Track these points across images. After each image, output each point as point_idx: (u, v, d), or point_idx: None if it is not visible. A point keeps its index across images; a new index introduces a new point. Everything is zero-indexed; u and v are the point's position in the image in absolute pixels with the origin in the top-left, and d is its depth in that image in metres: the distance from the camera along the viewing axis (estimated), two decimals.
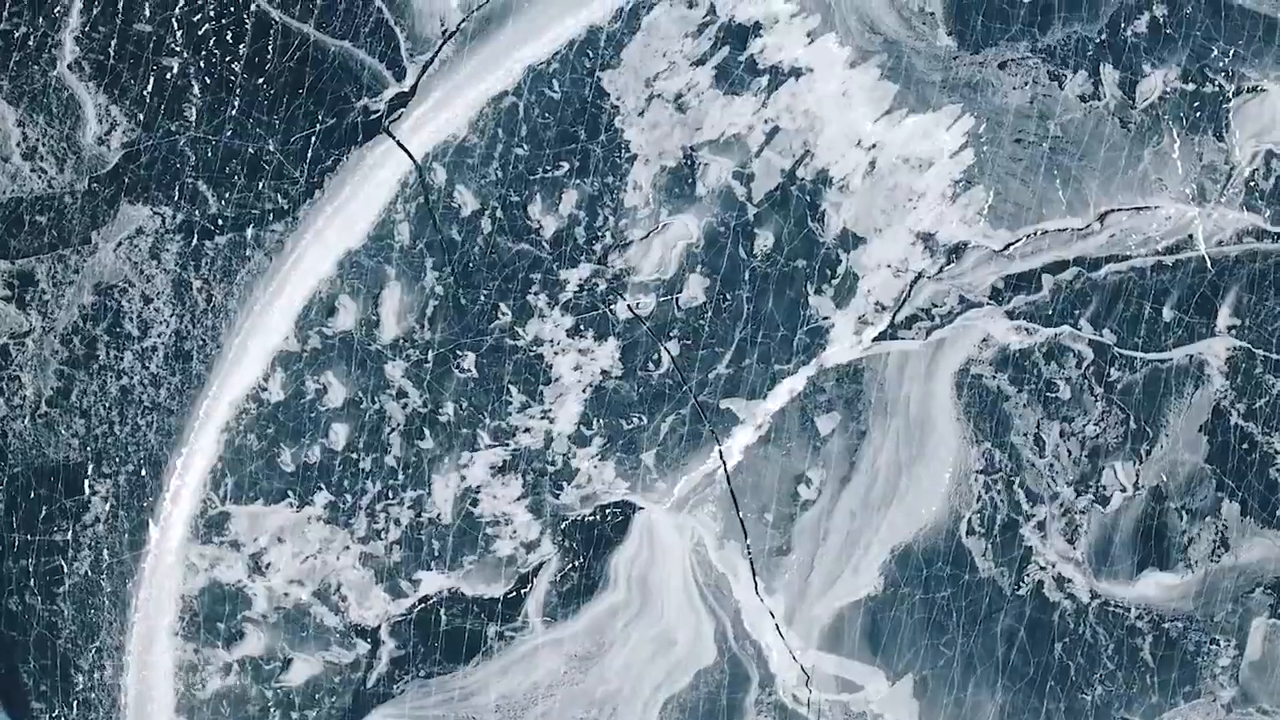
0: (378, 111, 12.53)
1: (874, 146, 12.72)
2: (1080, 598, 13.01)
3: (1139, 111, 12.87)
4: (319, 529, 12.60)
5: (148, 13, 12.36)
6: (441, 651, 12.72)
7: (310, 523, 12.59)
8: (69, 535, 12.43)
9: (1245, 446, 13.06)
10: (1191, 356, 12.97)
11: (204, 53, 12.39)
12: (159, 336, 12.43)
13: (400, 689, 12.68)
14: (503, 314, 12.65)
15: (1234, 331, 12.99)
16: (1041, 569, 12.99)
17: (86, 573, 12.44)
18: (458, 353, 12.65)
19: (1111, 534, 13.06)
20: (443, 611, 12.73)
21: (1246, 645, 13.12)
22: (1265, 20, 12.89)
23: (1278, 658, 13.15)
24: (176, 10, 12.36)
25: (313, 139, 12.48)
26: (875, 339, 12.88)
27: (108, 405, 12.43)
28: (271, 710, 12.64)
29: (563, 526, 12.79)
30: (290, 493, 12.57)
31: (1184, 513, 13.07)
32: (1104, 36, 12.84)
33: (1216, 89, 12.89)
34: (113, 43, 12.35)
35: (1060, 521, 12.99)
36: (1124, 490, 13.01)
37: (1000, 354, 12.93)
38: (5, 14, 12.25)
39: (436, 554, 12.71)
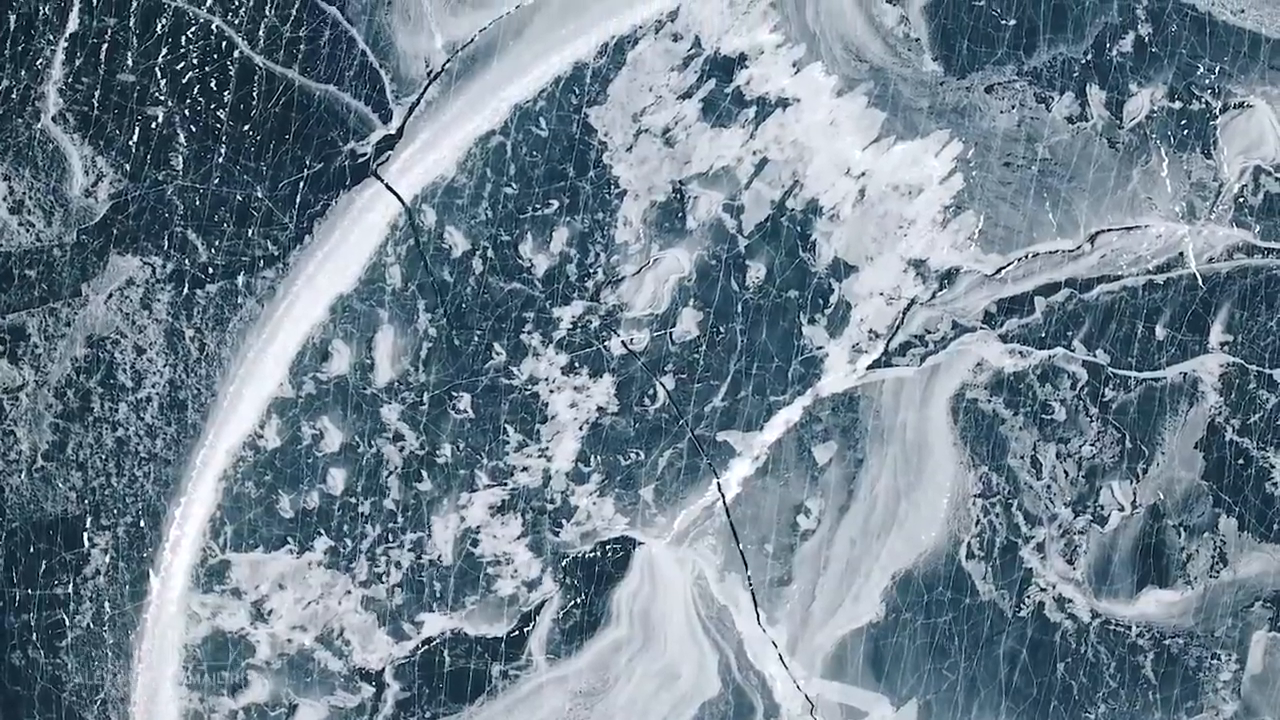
0: (365, 155, 12.49)
1: (863, 175, 12.71)
2: (1081, 617, 13.06)
3: (1126, 131, 12.87)
4: (320, 574, 12.60)
5: (131, 62, 12.30)
6: (446, 692, 12.74)
7: (311, 568, 12.58)
8: (70, 589, 12.42)
9: (1241, 462, 13.10)
10: (1185, 374, 13.01)
11: (188, 101, 12.34)
12: (153, 387, 12.40)
13: None
14: (497, 354, 12.64)
15: (1227, 348, 13.02)
16: (1042, 590, 13.03)
17: (89, 625, 12.43)
18: (453, 394, 12.64)
19: (1110, 553, 13.10)
20: (446, 652, 12.74)
21: (1247, 659, 13.18)
22: (1250, 36, 12.89)
23: (1279, 671, 13.22)
24: (160, 59, 12.31)
25: (301, 184, 12.44)
26: (870, 367, 12.89)
27: (104, 457, 12.41)
28: None
29: (563, 564, 12.79)
30: (290, 539, 12.56)
31: (1182, 529, 13.12)
32: (1089, 57, 12.84)
33: (1203, 106, 12.90)
34: (96, 93, 12.30)
35: (1059, 542, 13.03)
36: (1122, 509, 13.06)
37: (995, 377, 12.95)
38: None
39: (438, 595, 12.71)
